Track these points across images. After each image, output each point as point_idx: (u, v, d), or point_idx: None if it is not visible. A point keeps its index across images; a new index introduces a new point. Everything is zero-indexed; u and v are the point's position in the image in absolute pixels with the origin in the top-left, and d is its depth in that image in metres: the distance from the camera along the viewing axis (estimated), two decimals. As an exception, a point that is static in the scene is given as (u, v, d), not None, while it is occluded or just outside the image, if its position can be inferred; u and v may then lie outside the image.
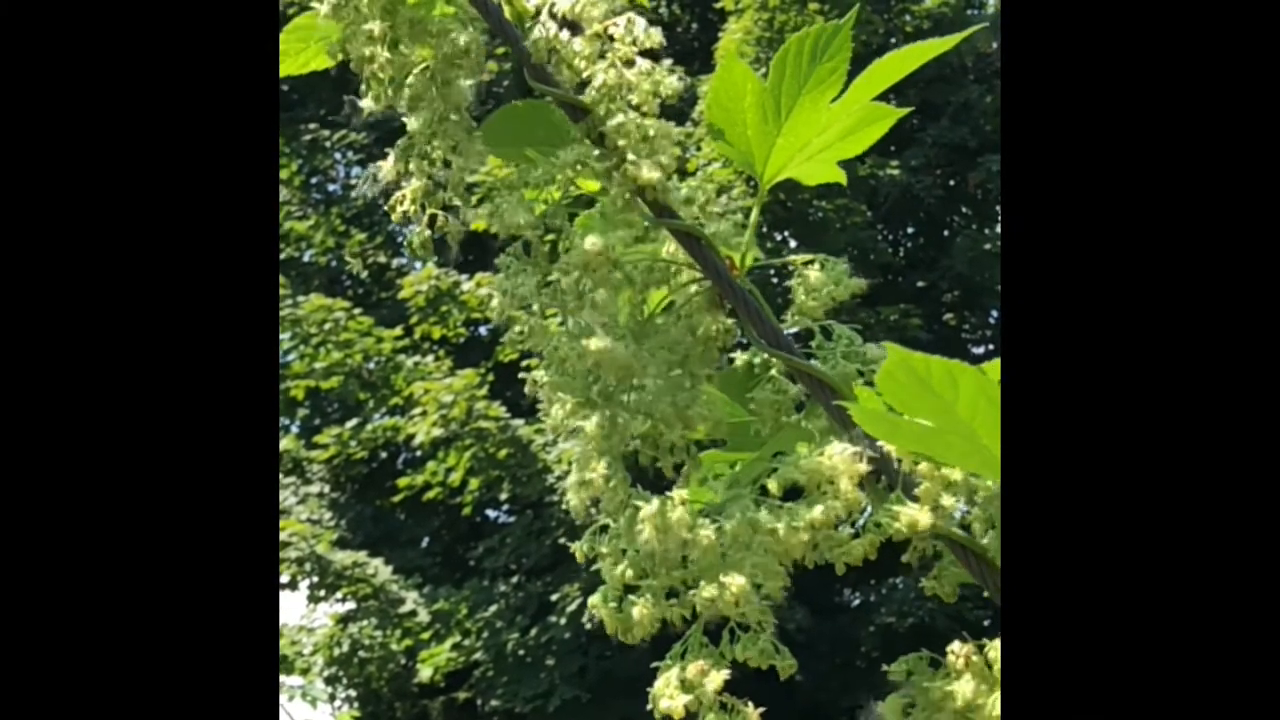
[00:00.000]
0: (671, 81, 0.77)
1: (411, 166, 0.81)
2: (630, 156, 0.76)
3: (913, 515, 0.69)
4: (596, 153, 0.77)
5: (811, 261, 0.82)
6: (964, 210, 10.36)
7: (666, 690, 0.69)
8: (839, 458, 0.70)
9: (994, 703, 0.67)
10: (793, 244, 9.02)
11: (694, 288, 0.80)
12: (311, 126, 9.57)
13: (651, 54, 0.78)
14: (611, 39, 0.77)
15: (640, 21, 0.77)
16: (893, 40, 9.29)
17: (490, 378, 7.87)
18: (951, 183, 10.04)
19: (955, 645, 0.69)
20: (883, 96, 0.82)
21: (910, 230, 10.57)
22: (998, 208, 10.19)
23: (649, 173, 0.76)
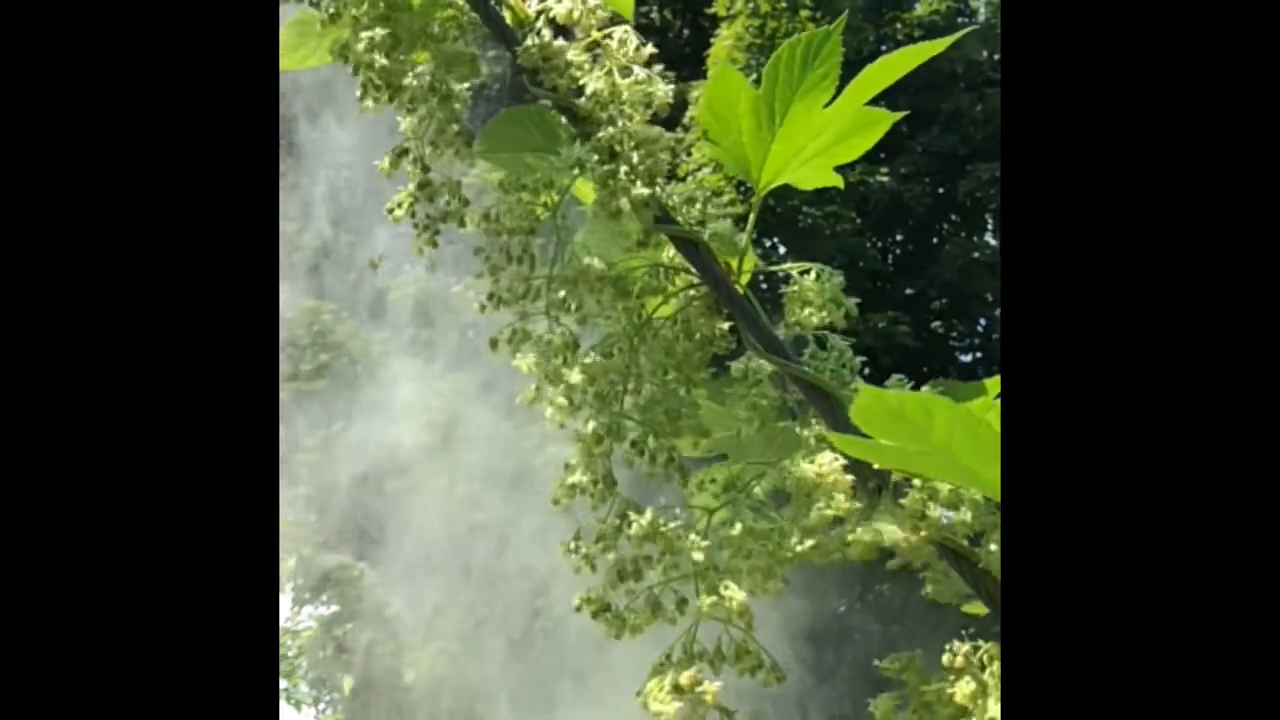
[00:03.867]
0: (664, 91, 0.77)
1: (406, 169, 0.80)
2: (625, 163, 0.76)
3: (897, 530, 0.69)
4: (594, 158, 0.77)
5: (808, 271, 0.82)
6: (953, 218, 10.39)
7: (657, 695, 0.69)
8: (828, 467, 0.71)
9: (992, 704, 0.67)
10: (781, 250, 9.03)
11: (691, 293, 0.79)
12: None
13: (645, 62, 0.78)
14: (606, 46, 0.77)
15: (634, 38, 0.77)
16: (884, 48, 9.30)
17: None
18: (941, 190, 10.07)
19: (954, 645, 0.69)
20: (873, 103, 0.82)
21: (899, 237, 10.59)
22: (987, 216, 10.23)
23: (644, 181, 0.76)
